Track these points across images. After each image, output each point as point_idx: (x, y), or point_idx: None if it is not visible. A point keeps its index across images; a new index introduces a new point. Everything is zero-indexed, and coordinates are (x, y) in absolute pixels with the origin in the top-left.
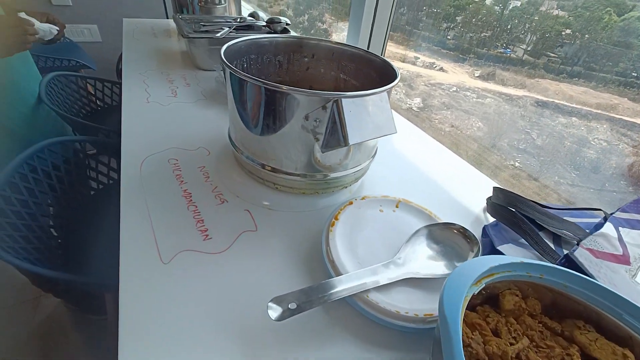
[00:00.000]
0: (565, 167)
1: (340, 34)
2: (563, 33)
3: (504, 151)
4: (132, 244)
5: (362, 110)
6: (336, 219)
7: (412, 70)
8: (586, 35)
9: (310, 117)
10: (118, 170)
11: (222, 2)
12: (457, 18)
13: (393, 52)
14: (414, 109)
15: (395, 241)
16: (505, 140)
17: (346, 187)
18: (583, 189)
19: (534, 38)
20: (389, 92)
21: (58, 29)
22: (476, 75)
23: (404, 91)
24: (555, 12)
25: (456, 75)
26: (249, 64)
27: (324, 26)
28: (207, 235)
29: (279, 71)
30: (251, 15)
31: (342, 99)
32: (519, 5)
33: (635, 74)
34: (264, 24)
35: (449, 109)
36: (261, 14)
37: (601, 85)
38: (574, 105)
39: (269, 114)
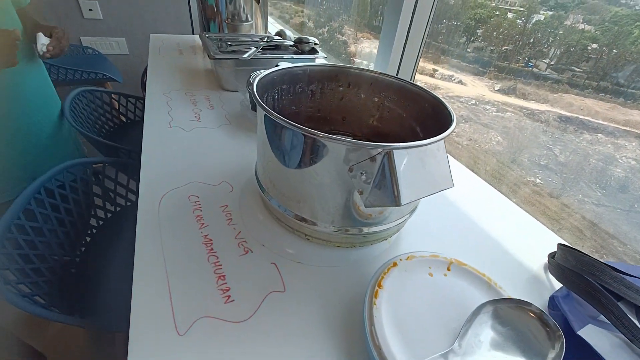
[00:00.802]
0: (590, 186)
1: (358, 45)
2: (589, 47)
3: (524, 167)
4: (146, 308)
5: (416, 163)
6: (380, 286)
7: (430, 82)
8: (614, 50)
9: (356, 169)
10: (136, 193)
11: (249, 19)
12: (477, 31)
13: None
14: None
15: (451, 317)
16: (525, 155)
17: (385, 240)
18: (609, 209)
19: (558, 52)
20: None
21: (48, 44)
22: (496, 88)
23: None
24: (581, 26)
25: (475, 88)
26: (280, 95)
27: (343, 38)
28: (228, 297)
29: (312, 100)
30: (278, 34)
31: (394, 151)
32: (542, 19)
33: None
34: (292, 43)
35: (467, 122)
36: (288, 32)
37: (630, 102)
38: (600, 122)
39: (306, 162)
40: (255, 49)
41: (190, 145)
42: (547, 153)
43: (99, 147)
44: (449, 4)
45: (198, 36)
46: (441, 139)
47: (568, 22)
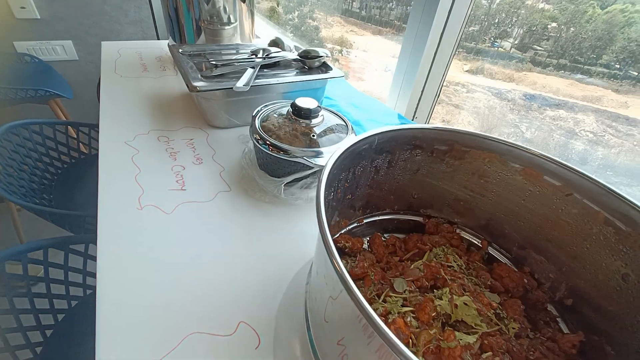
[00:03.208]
0: None
1: (330, 29)
2: (549, 26)
3: None
4: None
5: None
6: None
7: None
8: (571, 29)
9: None
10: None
11: (232, 20)
12: None
13: (382, 47)
14: None
15: None
16: (495, 134)
17: None
18: None
19: (521, 32)
20: None
21: None
22: (465, 69)
23: None
24: (541, 5)
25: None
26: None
27: (315, 23)
28: None
29: (374, 178)
30: (274, 43)
31: None
32: None
33: (618, 66)
34: (295, 57)
35: (439, 103)
36: (285, 39)
37: (587, 77)
38: (561, 98)
39: None
40: (252, 70)
41: (173, 244)
42: (515, 130)
43: (39, 213)
44: None
45: (163, 42)
46: None
47: (529, 2)
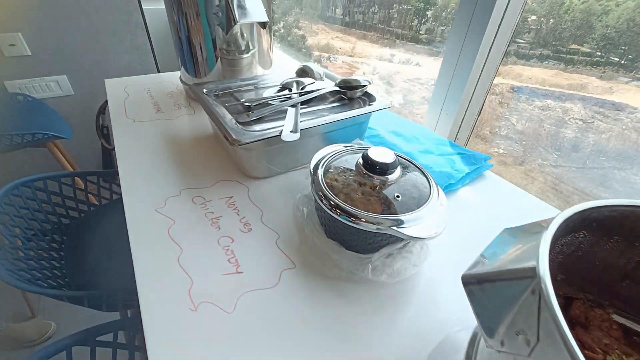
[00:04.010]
0: (547, 149)
1: (315, 37)
2: (529, 19)
3: (487, 139)
4: None
5: None
6: None
7: (390, 67)
8: (551, 20)
9: None
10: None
11: (251, 47)
12: (427, 13)
13: (368, 51)
14: (396, 105)
15: None
16: (487, 128)
17: None
18: (566, 169)
19: None
20: None
21: None
22: None
23: (384, 89)
24: None
25: (432, 69)
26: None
27: (301, 32)
28: None
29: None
30: (303, 71)
31: None
32: None
33: (599, 54)
34: (333, 87)
35: (428, 102)
36: (314, 67)
37: (570, 67)
38: (547, 88)
39: None
40: (294, 110)
41: (241, 347)
42: (506, 123)
43: (57, 297)
44: None
45: (175, 76)
46: None
47: None
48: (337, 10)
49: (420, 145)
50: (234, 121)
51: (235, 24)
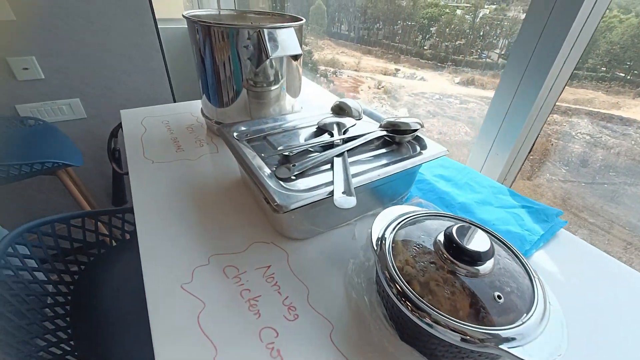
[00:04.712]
0: (555, 164)
1: (321, 52)
2: None
3: None
4: None
5: None
6: None
7: (395, 82)
8: None
9: None
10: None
11: (280, 78)
12: (431, 29)
13: (374, 66)
14: None
15: None
16: None
17: None
18: (575, 184)
19: (507, 42)
20: None
21: None
22: (456, 81)
23: (389, 103)
24: (522, 15)
25: (437, 83)
26: None
27: (308, 47)
28: None
29: None
30: (338, 108)
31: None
32: (488, 13)
33: (604, 69)
34: (381, 130)
35: (435, 116)
36: (351, 103)
37: (575, 82)
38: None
39: None
40: (342, 164)
41: None
42: None
43: None
44: (402, 5)
45: (192, 105)
46: None
47: (510, 14)
48: (342, 26)
49: (476, 194)
50: (274, 175)
51: (267, 59)
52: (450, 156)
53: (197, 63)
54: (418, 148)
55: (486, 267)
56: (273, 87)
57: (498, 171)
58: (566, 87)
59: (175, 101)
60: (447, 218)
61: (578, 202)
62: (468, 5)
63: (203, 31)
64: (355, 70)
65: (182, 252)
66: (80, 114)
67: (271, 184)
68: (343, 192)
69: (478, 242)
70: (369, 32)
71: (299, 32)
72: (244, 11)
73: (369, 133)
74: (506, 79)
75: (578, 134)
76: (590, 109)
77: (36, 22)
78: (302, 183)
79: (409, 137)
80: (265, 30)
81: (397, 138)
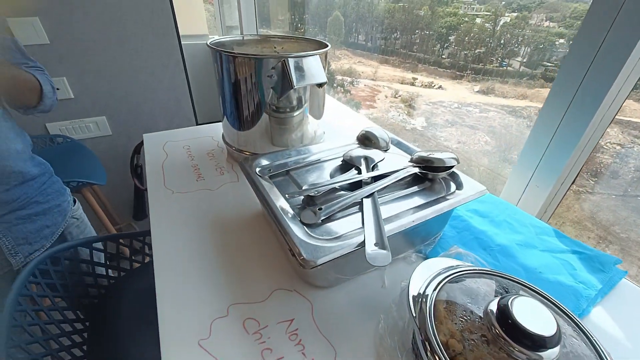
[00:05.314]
0: (582, 175)
1: (338, 62)
2: (557, 43)
3: (515, 162)
4: None
5: None
6: None
7: (412, 90)
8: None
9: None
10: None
11: (304, 102)
12: (449, 38)
13: (391, 75)
14: (419, 128)
15: None
16: (515, 152)
17: None
18: (605, 196)
19: (529, 50)
20: None
21: None
22: (476, 90)
23: (406, 112)
24: (546, 23)
25: (456, 92)
26: None
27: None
28: None
29: None
30: (364, 138)
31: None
32: (508, 20)
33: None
34: (412, 166)
35: (453, 125)
36: (378, 132)
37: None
38: None
39: None
40: (371, 207)
41: None
42: None
43: None
44: (420, 15)
45: (211, 127)
46: None
47: (533, 22)
48: (359, 36)
49: (516, 234)
50: (298, 219)
51: (292, 88)
52: (469, 166)
53: (220, 90)
54: (452, 185)
55: (550, 354)
56: (296, 113)
57: (538, 205)
58: (628, 100)
59: (196, 117)
60: (496, 277)
61: (608, 215)
62: (488, 13)
63: (227, 60)
64: (372, 80)
65: (201, 299)
66: (105, 131)
67: (296, 231)
68: (375, 244)
69: (540, 320)
70: (386, 41)
71: (324, 58)
72: (268, 35)
73: (400, 170)
74: (555, 96)
75: (607, 144)
76: (621, 117)
77: (69, 45)
78: (329, 228)
79: (441, 174)
80: (291, 60)
81: (430, 175)
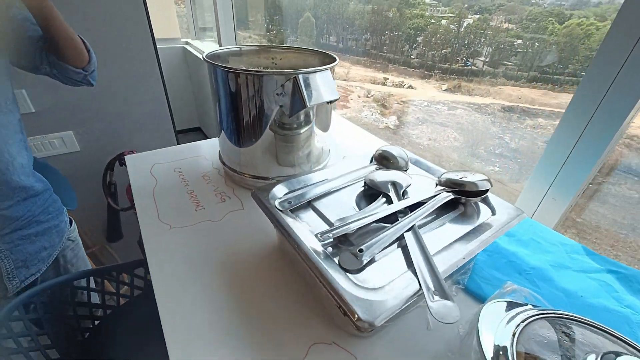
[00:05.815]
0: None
1: None
2: (515, 43)
3: (483, 158)
4: None
5: None
6: None
7: (384, 90)
8: (536, 44)
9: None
10: None
11: (311, 117)
12: (417, 39)
13: (362, 75)
14: (391, 127)
15: None
16: (481, 147)
17: None
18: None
19: (490, 50)
20: None
21: None
22: (443, 88)
23: (378, 111)
24: (505, 25)
25: (425, 90)
26: None
27: None
28: None
29: None
30: (382, 157)
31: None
32: (471, 22)
33: (584, 73)
34: (442, 190)
35: (424, 123)
36: (396, 151)
37: (558, 87)
38: (537, 107)
39: None
40: (417, 245)
41: None
42: (500, 142)
43: None
44: (389, 16)
45: (203, 145)
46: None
47: (493, 23)
48: (331, 37)
49: (547, 254)
50: (340, 271)
51: (305, 107)
52: (440, 162)
53: (217, 107)
54: (485, 209)
55: None
56: (302, 130)
57: (554, 219)
58: None
59: (174, 125)
60: (571, 321)
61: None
62: (452, 15)
63: (229, 77)
64: (345, 80)
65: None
66: (72, 147)
67: (340, 281)
68: (435, 292)
69: None
70: (357, 42)
71: (333, 72)
72: (267, 46)
73: (435, 196)
74: (578, 103)
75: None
76: None
77: None
78: (373, 273)
79: (477, 199)
80: (301, 77)
81: (463, 199)
